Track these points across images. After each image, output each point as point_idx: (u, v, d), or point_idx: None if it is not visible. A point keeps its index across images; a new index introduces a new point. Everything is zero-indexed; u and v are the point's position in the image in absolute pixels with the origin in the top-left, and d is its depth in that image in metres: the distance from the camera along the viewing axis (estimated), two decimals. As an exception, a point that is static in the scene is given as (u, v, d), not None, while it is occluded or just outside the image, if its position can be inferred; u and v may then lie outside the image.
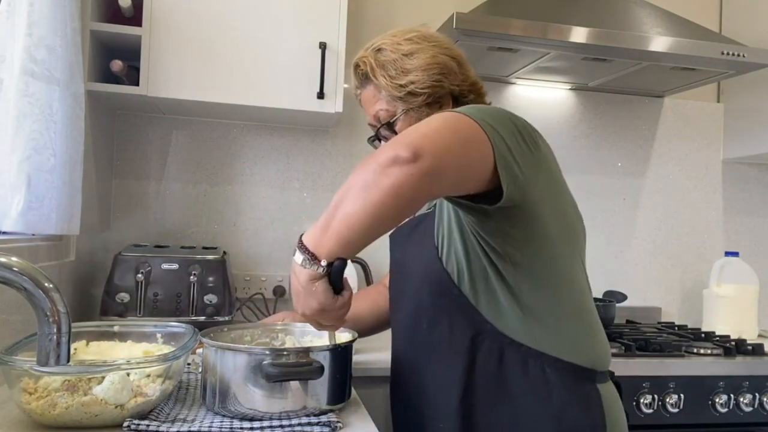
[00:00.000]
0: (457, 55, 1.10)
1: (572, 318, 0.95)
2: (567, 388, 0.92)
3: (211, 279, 1.58)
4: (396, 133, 1.11)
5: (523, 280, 0.93)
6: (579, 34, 1.69)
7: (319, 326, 0.87)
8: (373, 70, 1.09)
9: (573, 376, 0.93)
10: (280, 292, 1.98)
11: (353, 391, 1.04)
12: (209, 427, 0.85)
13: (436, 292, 0.99)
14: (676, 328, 2.01)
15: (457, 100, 1.10)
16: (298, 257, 0.81)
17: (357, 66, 1.13)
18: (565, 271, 0.96)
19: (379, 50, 1.09)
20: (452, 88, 1.08)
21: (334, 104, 1.71)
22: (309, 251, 0.80)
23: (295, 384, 0.90)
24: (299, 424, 0.88)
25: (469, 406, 0.94)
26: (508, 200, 0.86)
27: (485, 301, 0.95)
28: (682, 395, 1.57)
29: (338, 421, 0.89)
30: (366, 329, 1.29)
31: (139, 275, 1.53)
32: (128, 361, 0.87)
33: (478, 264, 0.95)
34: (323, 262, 0.79)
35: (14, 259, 0.68)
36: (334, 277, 0.81)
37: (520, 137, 0.89)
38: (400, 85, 1.07)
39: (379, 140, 1.16)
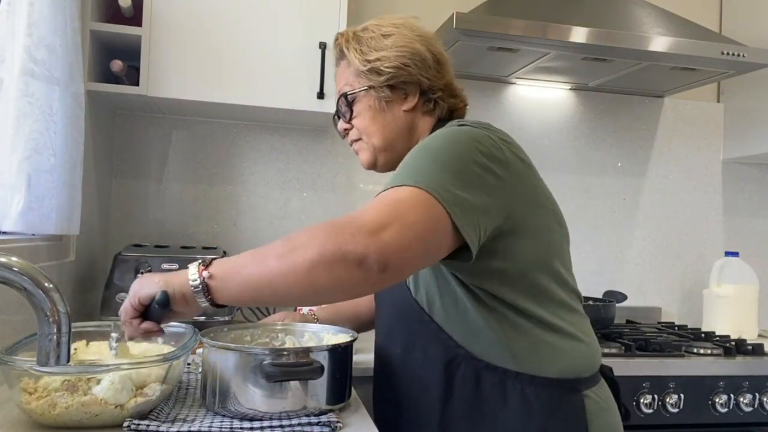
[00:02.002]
0: (437, 52, 1.07)
1: (550, 332, 0.92)
2: (548, 405, 0.90)
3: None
4: (352, 111, 1.09)
5: (496, 302, 0.91)
6: (579, 34, 1.69)
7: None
8: (348, 42, 1.08)
9: (555, 390, 0.91)
10: (280, 292, 1.98)
11: (353, 391, 1.03)
12: (209, 427, 0.85)
13: (408, 319, 0.98)
14: (676, 328, 2.01)
15: (426, 95, 1.06)
16: (192, 275, 0.81)
17: (336, 39, 1.12)
18: (540, 287, 0.92)
19: (363, 29, 1.09)
20: (421, 80, 1.04)
21: (334, 104, 1.70)
22: (208, 287, 0.80)
23: (295, 384, 0.90)
24: (299, 424, 0.88)
25: (448, 430, 0.94)
26: (477, 252, 0.84)
27: (458, 326, 0.93)
28: (682, 395, 1.57)
29: (338, 421, 0.89)
30: (365, 324, 1.29)
31: (139, 275, 1.52)
32: (128, 361, 0.87)
33: (448, 290, 0.93)
34: (205, 303, 0.81)
35: (14, 259, 0.68)
36: (153, 310, 0.84)
37: (487, 173, 0.86)
38: (367, 60, 1.05)
39: (339, 117, 1.13)
